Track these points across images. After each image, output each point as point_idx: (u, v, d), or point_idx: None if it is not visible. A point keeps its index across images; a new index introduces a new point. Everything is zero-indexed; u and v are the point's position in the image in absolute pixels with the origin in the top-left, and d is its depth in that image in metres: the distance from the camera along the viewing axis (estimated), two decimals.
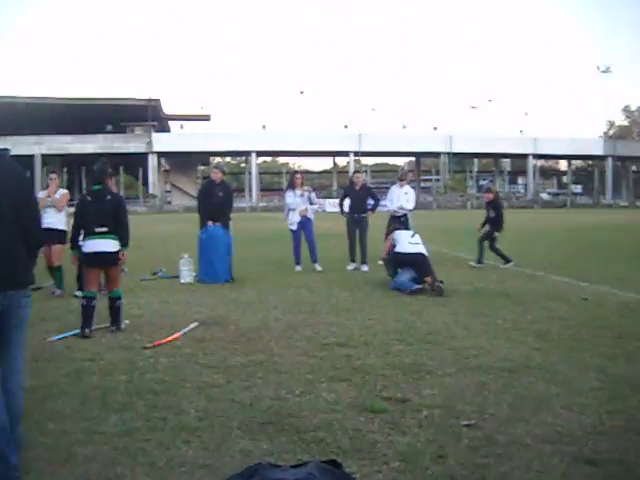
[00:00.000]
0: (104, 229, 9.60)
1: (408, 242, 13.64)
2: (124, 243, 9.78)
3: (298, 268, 16.12)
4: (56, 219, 12.40)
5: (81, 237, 9.91)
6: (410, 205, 17.67)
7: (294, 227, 16.16)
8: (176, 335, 8.97)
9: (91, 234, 9.64)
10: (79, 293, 12.14)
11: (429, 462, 4.88)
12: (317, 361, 7.67)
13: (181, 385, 6.81)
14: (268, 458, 4.89)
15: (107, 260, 9.69)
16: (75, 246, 9.94)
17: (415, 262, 13.21)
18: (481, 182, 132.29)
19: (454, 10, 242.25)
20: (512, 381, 6.85)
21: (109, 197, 9.85)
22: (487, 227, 17.65)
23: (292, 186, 16.29)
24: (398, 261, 13.52)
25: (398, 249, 13.62)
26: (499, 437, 5.33)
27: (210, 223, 14.37)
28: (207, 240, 14.34)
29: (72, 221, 10.12)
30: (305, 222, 16.19)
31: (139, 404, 6.25)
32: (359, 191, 16.86)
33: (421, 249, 13.46)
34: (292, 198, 16.16)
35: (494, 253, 17.40)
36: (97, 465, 4.91)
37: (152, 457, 5.03)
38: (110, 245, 9.63)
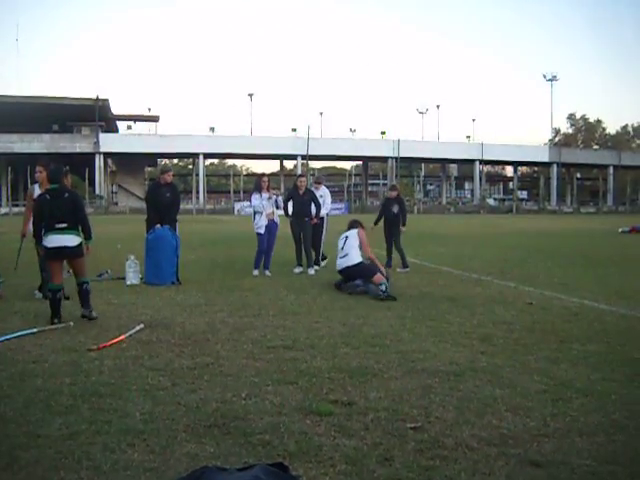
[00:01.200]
0: (63, 225, 10.28)
1: (339, 257, 13.92)
2: (88, 237, 10.63)
3: (255, 272, 15.91)
4: None
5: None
6: (325, 209, 17.82)
7: (261, 230, 15.91)
8: (121, 337, 8.88)
9: (52, 230, 10.27)
10: (39, 294, 12.00)
11: (375, 465, 4.89)
12: (263, 364, 7.65)
13: (126, 388, 6.74)
14: (214, 461, 4.87)
15: (71, 253, 10.42)
16: (40, 240, 10.53)
17: (355, 273, 13.44)
18: (428, 187, 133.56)
19: (402, 15, 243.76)
20: (458, 384, 6.90)
21: (67, 195, 10.53)
22: (390, 226, 18.05)
23: (258, 189, 16.06)
24: (344, 277, 13.79)
25: (337, 268, 13.99)
26: (445, 440, 5.36)
27: (158, 226, 14.30)
28: (154, 241, 14.26)
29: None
30: (271, 226, 16.05)
31: (83, 407, 6.17)
32: (303, 195, 16.86)
33: (348, 261, 13.63)
34: (259, 201, 15.94)
35: (397, 250, 17.64)
36: (41, 469, 4.85)
37: (97, 461, 4.97)
38: (71, 240, 10.36)
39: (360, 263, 13.49)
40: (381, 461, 4.96)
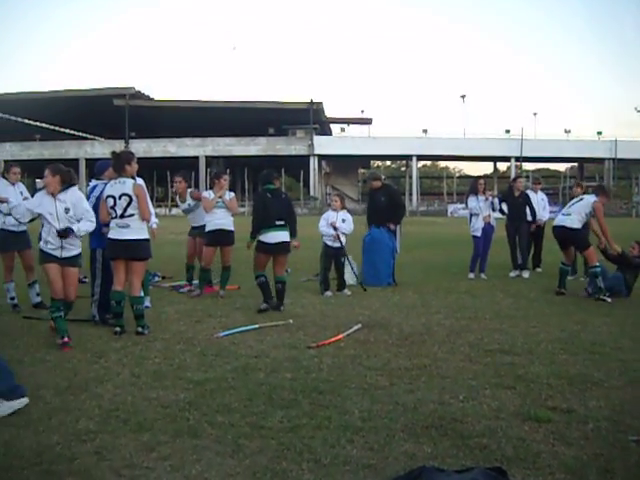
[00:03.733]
0: (282, 222, 11.16)
1: (562, 214, 13.37)
2: (295, 233, 11.58)
3: (471, 275, 15.84)
4: (228, 220, 12.62)
5: None
6: (546, 213, 17.47)
7: (478, 233, 15.81)
8: (340, 336, 9.09)
9: (271, 226, 11.11)
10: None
11: (595, 476, 4.78)
12: (480, 367, 7.64)
13: (345, 385, 6.90)
14: (431, 462, 4.91)
15: (286, 248, 11.48)
16: (255, 236, 11.29)
17: (567, 238, 13.04)
18: None
19: (619, 10, 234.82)
20: None
21: (283, 195, 11.71)
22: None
23: (475, 191, 15.96)
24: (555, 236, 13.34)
25: (554, 223, 13.39)
26: None
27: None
28: (371, 243, 14.45)
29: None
30: (487, 229, 15.92)
31: (304, 402, 6.38)
32: (518, 198, 16.53)
33: (567, 222, 12.93)
34: (475, 203, 15.85)
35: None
36: (264, 458, 5.06)
37: (317, 454, 5.13)
38: (287, 236, 11.41)
39: (578, 230, 12.77)
40: (601, 473, 4.83)
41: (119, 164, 9.49)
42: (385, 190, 15.06)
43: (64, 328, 8.71)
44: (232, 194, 12.93)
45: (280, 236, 11.27)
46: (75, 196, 8.71)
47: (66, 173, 8.70)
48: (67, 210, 8.56)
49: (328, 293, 13.00)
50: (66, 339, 8.63)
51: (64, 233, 8.51)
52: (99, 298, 10.15)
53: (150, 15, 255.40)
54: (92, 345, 8.63)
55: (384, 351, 8.37)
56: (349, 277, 13.98)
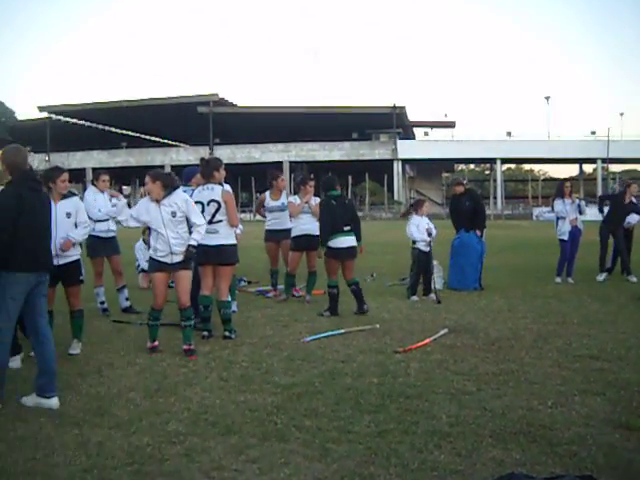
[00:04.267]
0: (348, 227, 11.20)
1: None
2: (360, 238, 11.59)
3: (558, 279, 15.57)
4: (313, 225, 12.43)
5: None
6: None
7: (565, 237, 15.55)
8: (426, 341, 9.06)
9: (340, 232, 11.14)
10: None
11: None
12: (569, 373, 7.53)
13: (432, 390, 6.89)
14: (520, 468, 4.88)
15: (354, 253, 11.49)
16: (325, 242, 11.26)
17: None
18: None
19: None
20: None
21: (347, 201, 11.78)
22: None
23: (561, 194, 15.72)
24: None
25: None
26: None
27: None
28: (459, 247, 14.41)
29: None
30: (575, 232, 15.64)
31: (391, 407, 6.39)
32: (627, 205, 16.15)
33: None
34: (562, 206, 15.59)
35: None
36: (352, 463, 5.09)
37: (405, 459, 5.14)
38: (354, 241, 11.43)
39: None
40: None
41: (208, 171, 9.61)
42: (469, 195, 15.06)
43: (156, 334, 8.88)
44: (317, 199, 12.93)
45: (348, 241, 11.33)
46: (180, 198, 8.70)
47: (166, 177, 8.76)
48: (174, 214, 8.58)
49: (414, 298, 12.95)
50: (155, 343, 8.79)
51: (192, 254, 8.68)
52: None
53: (233, 22, 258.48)
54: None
55: (471, 356, 8.33)
56: (437, 281, 13.91)
